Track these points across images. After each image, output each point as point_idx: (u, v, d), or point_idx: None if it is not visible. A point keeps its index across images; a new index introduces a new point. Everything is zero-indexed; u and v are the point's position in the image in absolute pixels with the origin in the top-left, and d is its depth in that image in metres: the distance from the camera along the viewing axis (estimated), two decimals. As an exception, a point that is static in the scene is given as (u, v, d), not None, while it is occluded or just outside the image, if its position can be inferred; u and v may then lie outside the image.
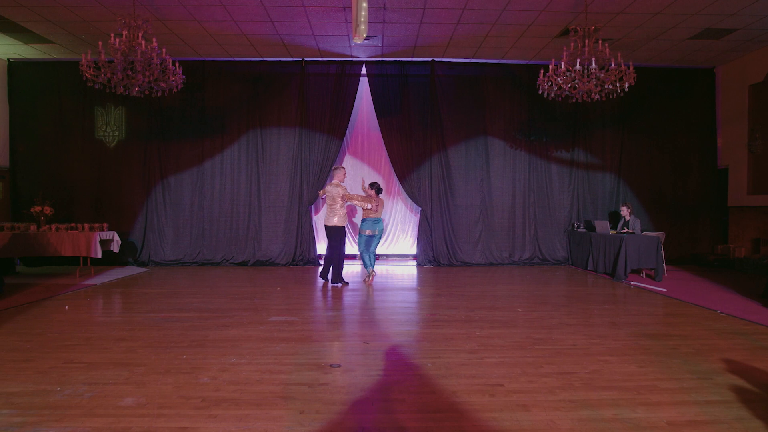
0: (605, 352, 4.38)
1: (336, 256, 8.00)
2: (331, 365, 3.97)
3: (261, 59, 10.40)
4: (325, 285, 8.12)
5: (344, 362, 4.06)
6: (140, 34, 6.82)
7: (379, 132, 10.62)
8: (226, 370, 3.86)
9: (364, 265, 8.33)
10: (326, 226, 7.97)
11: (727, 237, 10.94)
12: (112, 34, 6.78)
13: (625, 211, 9.41)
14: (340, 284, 8.03)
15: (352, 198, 7.91)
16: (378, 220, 8.14)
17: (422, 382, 3.62)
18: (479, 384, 3.57)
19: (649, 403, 3.25)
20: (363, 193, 8.28)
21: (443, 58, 10.42)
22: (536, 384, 3.56)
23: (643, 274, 8.93)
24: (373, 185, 8.14)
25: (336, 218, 7.84)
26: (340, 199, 7.79)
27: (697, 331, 5.13)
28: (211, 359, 4.13)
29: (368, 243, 8.17)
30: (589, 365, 3.99)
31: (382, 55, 10.23)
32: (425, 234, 10.59)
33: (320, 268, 8.43)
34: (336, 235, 7.92)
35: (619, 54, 7.37)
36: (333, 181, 8.01)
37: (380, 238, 8.34)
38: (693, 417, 3.04)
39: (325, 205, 8.09)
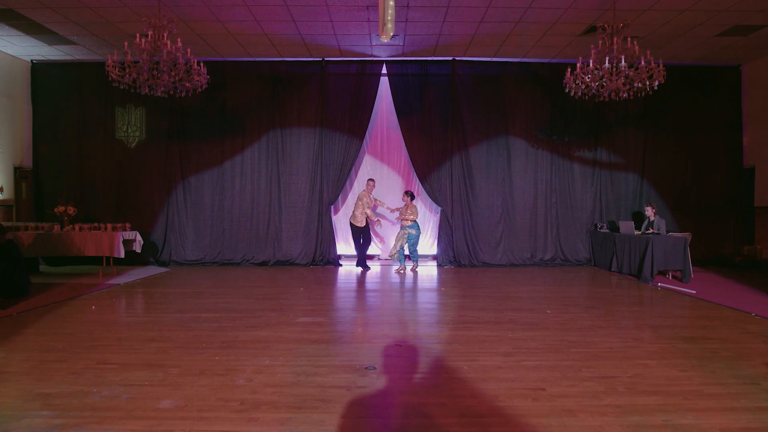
0: (644, 355, 4.29)
1: (355, 248, 10.07)
2: (366, 368, 3.92)
3: (281, 59, 10.38)
4: (363, 273, 9.48)
5: (379, 364, 4.01)
6: (165, 34, 6.83)
7: (400, 132, 10.56)
8: (261, 371, 3.82)
9: (413, 259, 9.89)
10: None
11: (753, 238, 10.73)
12: (138, 35, 6.79)
13: (649, 212, 9.26)
14: (361, 269, 9.91)
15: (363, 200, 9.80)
16: (417, 223, 9.75)
17: (461, 385, 3.56)
18: (520, 388, 3.50)
19: (698, 408, 3.16)
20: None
21: (464, 57, 10.33)
22: (579, 388, 3.49)
23: (669, 276, 8.77)
24: (408, 193, 9.73)
25: (353, 218, 9.82)
26: (359, 201, 9.76)
27: (735, 335, 5.01)
28: (243, 360, 4.09)
29: (416, 242, 9.72)
30: (629, 369, 3.90)
31: (402, 55, 10.17)
32: (446, 234, 10.51)
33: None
34: (353, 231, 9.96)
35: (648, 51, 7.24)
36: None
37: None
38: (746, 424, 2.95)
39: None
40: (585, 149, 10.74)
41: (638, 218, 10.31)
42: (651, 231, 8.95)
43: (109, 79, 6.93)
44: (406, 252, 9.92)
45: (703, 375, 3.79)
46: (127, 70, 6.85)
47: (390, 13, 5.96)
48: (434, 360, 4.17)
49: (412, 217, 9.57)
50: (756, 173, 10.59)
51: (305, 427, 2.89)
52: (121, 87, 7.09)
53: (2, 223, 8.43)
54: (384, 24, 5.98)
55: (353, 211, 9.84)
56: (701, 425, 2.92)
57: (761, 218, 10.50)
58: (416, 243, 9.75)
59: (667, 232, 9.20)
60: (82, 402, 3.25)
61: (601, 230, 10.29)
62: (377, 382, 3.62)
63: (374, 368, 3.90)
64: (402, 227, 9.66)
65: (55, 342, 4.67)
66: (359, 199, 9.76)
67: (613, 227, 9.94)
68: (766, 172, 10.26)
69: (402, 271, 9.64)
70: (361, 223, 9.70)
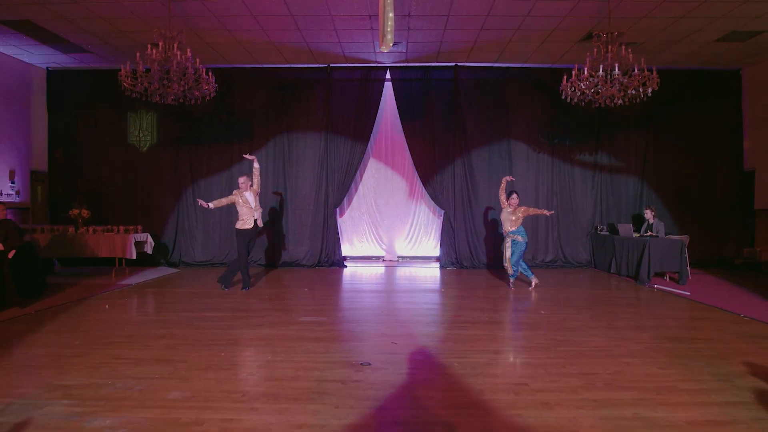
0: (627, 354, 4.49)
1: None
2: (361, 363, 4.17)
3: (288, 66, 10.67)
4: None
5: (374, 361, 4.25)
6: (175, 45, 7.12)
7: (403, 136, 10.79)
8: (263, 367, 4.09)
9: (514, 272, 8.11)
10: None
11: (753, 240, 10.83)
12: (149, 45, 7.10)
13: (648, 214, 9.41)
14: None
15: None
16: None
17: (449, 380, 3.80)
18: (504, 383, 3.73)
19: (669, 403, 3.37)
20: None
21: (466, 62, 10.55)
22: (559, 384, 3.71)
23: (667, 278, 8.93)
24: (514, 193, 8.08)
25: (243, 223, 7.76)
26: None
27: (720, 335, 5.19)
28: (247, 357, 4.37)
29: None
30: (611, 366, 4.12)
31: (405, 61, 10.41)
32: (448, 236, 10.73)
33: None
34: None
35: (642, 59, 7.42)
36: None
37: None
38: (712, 417, 3.15)
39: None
40: (586, 153, 10.91)
41: (639, 221, 10.45)
42: (649, 234, 9.11)
43: (122, 88, 7.24)
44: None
45: (681, 372, 3.99)
46: (139, 80, 7.15)
47: (390, 24, 6.19)
48: (427, 357, 4.41)
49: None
50: (756, 176, 10.69)
51: (301, 416, 3.14)
52: (133, 96, 7.39)
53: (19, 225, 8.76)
54: (384, 35, 6.22)
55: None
56: (669, 418, 3.14)
57: (762, 221, 10.60)
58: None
59: (666, 234, 9.35)
60: (98, 393, 3.52)
61: (601, 233, 10.46)
62: (371, 376, 3.87)
63: (369, 364, 4.15)
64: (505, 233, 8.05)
65: (72, 339, 4.97)
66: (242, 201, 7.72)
67: (613, 230, 10.11)
68: (767, 175, 10.37)
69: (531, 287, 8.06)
70: (248, 225, 7.71)
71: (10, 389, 3.59)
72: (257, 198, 7.84)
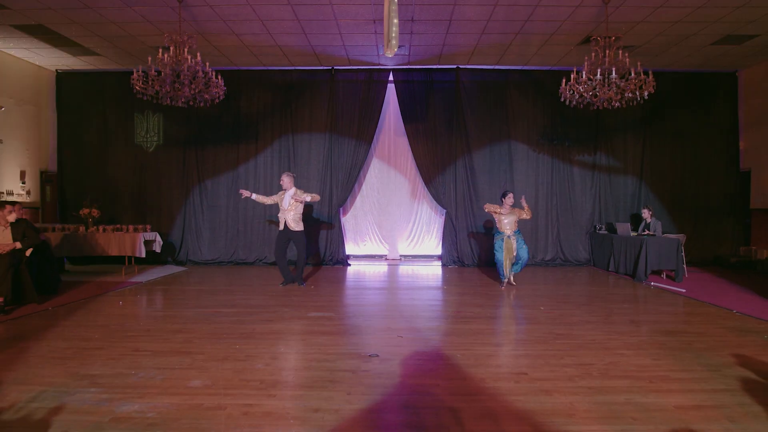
0: (623, 346, 4.72)
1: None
2: (369, 355, 4.39)
3: (293, 68, 10.89)
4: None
5: (381, 353, 4.48)
6: (185, 50, 7.33)
7: (406, 137, 11.01)
8: (277, 358, 4.32)
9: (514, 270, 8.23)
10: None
11: (749, 239, 11.05)
12: (160, 49, 7.32)
13: (646, 214, 9.63)
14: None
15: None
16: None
17: (453, 370, 4.02)
18: (505, 372, 3.96)
19: (660, 390, 3.59)
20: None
21: (468, 65, 10.77)
22: (557, 373, 3.93)
23: (664, 275, 9.15)
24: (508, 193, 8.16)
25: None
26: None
27: (712, 329, 5.41)
28: (261, 349, 4.59)
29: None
30: (606, 358, 4.34)
31: (408, 63, 10.63)
32: (450, 235, 10.95)
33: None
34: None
35: (638, 63, 7.63)
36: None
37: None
38: (699, 402, 3.38)
39: (293, 209, 8.01)
40: (585, 153, 11.13)
41: (637, 220, 10.68)
42: (647, 232, 9.32)
43: (134, 90, 7.45)
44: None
45: (672, 363, 4.22)
46: (150, 83, 7.37)
47: (394, 30, 6.40)
48: (431, 349, 4.63)
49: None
50: (752, 176, 10.91)
51: (316, 401, 3.37)
52: (145, 98, 7.61)
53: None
54: (389, 40, 6.43)
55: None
56: (659, 403, 3.36)
57: (757, 220, 10.83)
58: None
59: (663, 233, 9.57)
60: (123, 381, 3.75)
61: (600, 232, 10.68)
62: (379, 367, 4.09)
63: (377, 356, 4.38)
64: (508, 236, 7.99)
65: (92, 332, 5.19)
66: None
67: (612, 229, 10.33)
68: (762, 175, 10.60)
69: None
70: (280, 227, 8.10)
71: (40, 378, 3.82)
72: (294, 202, 7.94)
